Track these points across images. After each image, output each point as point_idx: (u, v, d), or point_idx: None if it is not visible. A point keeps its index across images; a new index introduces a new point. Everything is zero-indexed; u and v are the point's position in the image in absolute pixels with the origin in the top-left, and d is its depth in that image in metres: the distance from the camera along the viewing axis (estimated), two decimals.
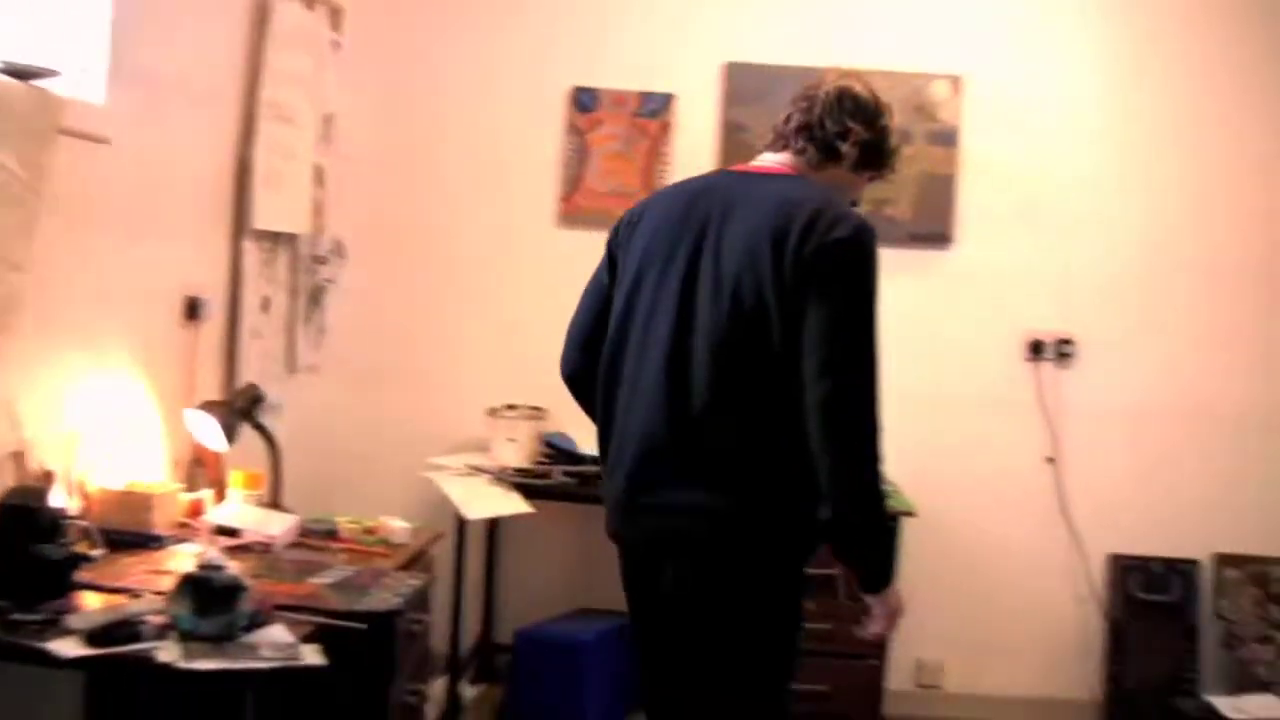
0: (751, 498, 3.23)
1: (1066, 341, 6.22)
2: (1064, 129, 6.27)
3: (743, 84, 6.19)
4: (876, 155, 3.45)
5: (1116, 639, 6.27)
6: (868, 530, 3.21)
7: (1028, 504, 6.24)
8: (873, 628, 3.33)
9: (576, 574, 6.26)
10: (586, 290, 3.74)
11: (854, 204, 3.45)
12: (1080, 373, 6.23)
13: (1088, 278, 6.25)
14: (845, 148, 3.38)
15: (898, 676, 6.03)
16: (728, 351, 3.21)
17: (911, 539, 5.59)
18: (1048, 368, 6.24)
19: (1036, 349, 6.23)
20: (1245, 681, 6.09)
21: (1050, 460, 6.22)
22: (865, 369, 3.19)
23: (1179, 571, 6.30)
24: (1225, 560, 6.31)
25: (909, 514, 5.54)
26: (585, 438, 5.68)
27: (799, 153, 3.42)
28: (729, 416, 3.23)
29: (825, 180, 3.40)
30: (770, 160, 3.48)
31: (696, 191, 3.49)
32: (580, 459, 5.67)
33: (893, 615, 3.33)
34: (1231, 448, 6.29)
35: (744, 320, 3.19)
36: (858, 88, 3.43)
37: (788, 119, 3.45)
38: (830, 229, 3.14)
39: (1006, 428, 6.21)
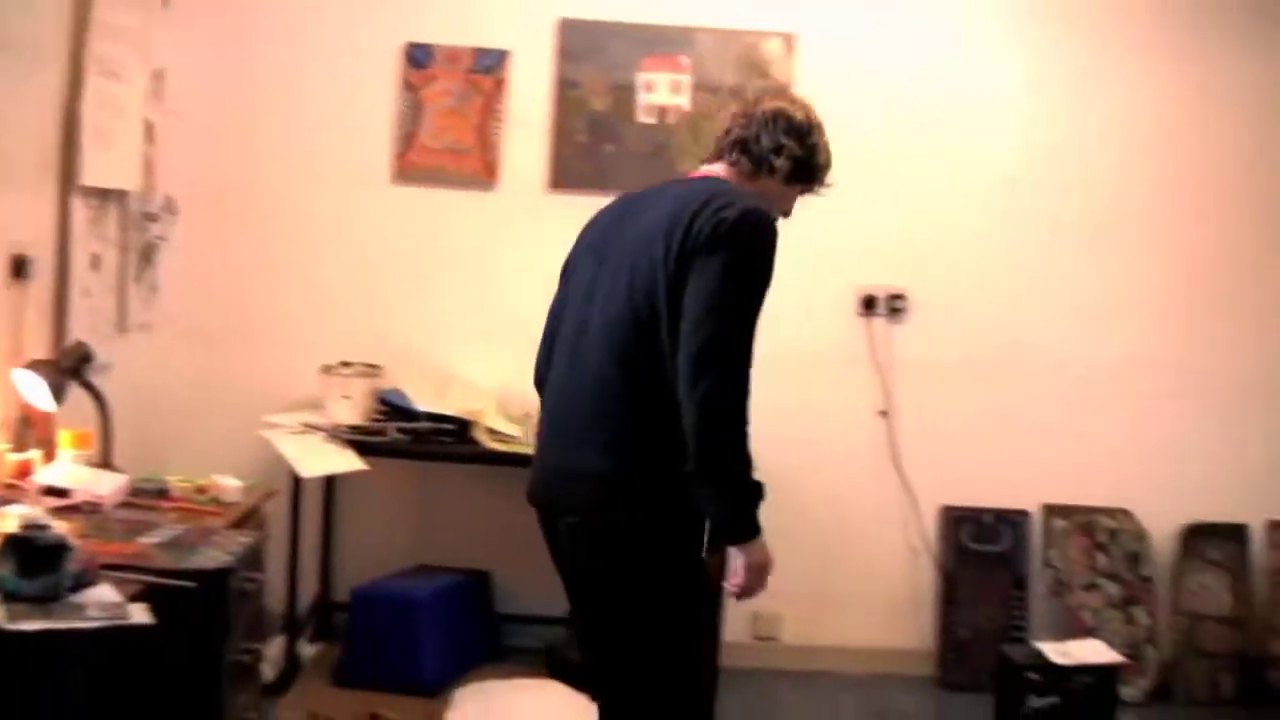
0: (634, 464, 3.46)
1: (898, 297, 6.31)
2: (897, 87, 6.35)
3: (577, 40, 6.19)
4: (807, 170, 3.72)
5: (949, 589, 6.39)
6: (729, 482, 3.38)
7: (861, 458, 6.33)
8: (734, 579, 3.44)
9: (414, 531, 6.28)
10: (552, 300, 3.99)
11: (785, 214, 3.76)
12: (912, 327, 6.32)
13: (920, 233, 6.34)
14: (778, 161, 3.66)
15: (735, 629, 6.10)
16: (619, 347, 3.49)
17: None
18: (880, 323, 6.32)
19: (869, 304, 6.31)
20: (1073, 628, 6.24)
21: (883, 414, 6.31)
22: (737, 343, 3.39)
23: (1009, 522, 6.43)
24: (1053, 511, 6.45)
25: None
26: (420, 394, 5.70)
27: (733, 164, 3.70)
28: (619, 404, 3.48)
29: (757, 189, 3.66)
30: (704, 169, 3.75)
31: (631, 196, 3.79)
32: (415, 416, 5.68)
33: (759, 569, 3.46)
34: (1060, 400, 6.43)
35: (634, 316, 3.46)
36: (792, 109, 3.73)
37: (726, 132, 3.74)
38: (719, 210, 3.39)
39: (840, 382, 6.29)
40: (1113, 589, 6.39)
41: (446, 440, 5.68)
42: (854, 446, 6.32)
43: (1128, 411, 6.46)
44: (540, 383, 3.91)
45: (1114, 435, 6.46)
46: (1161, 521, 6.49)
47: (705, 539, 3.49)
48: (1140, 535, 6.45)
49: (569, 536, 3.59)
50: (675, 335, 3.37)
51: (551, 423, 3.72)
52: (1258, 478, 6.53)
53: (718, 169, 3.72)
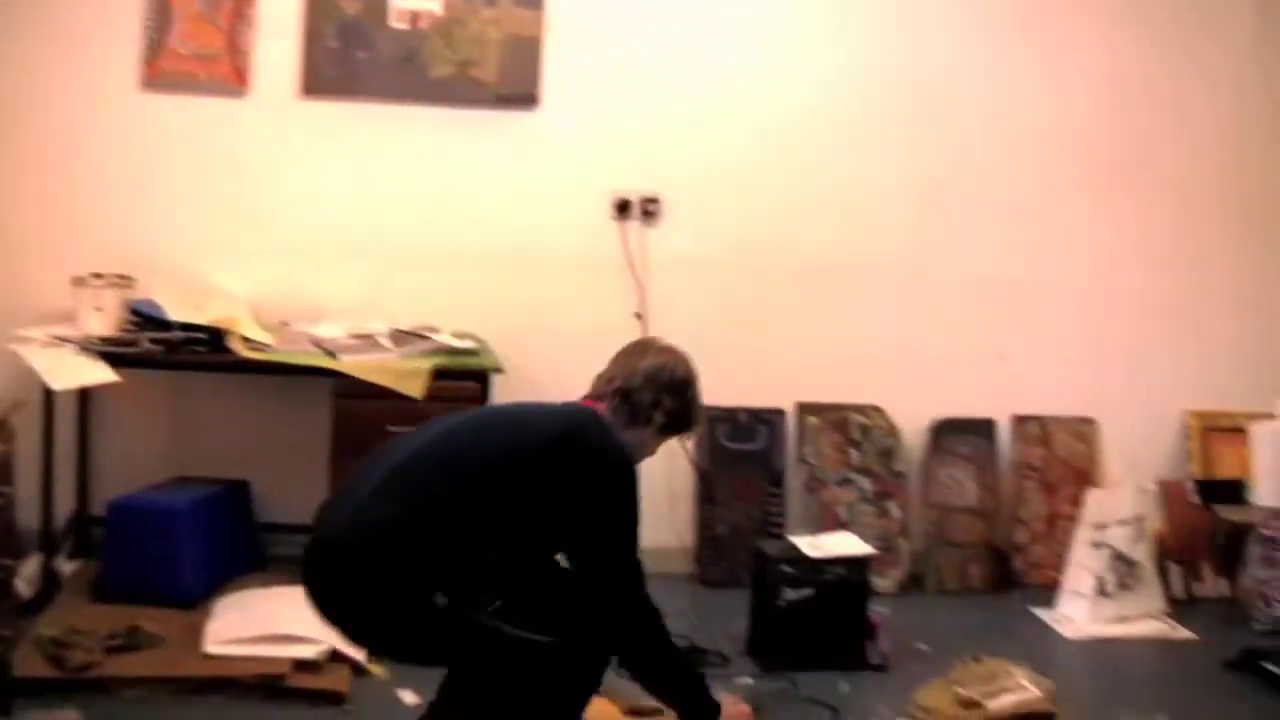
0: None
1: (652, 200, 6.38)
2: None
3: None
4: (681, 423, 4.09)
5: (706, 487, 6.50)
6: (676, 693, 3.96)
7: None
8: None
9: (171, 442, 6.23)
10: None
11: (649, 455, 4.13)
12: (666, 231, 6.39)
13: (672, 137, 6.41)
14: (655, 415, 3.98)
15: None
16: (429, 481, 3.70)
17: (502, 396, 5.70)
18: (634, 226, 6.38)
19: (623, 208, 6.37)
20: (828, 523, 6.39)
21: (638, 316, 6.38)
22: (633, 576, 3.83)
23: (764, 421, 6.56)
24: (808, 409, 6.60)
25: (498, 370, 5.65)
26: (173, 305, 5.66)
27: (613, 410, 3.99)
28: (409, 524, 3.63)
29: (629, 435, 3.96)
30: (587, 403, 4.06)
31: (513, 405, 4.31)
32: (168, 326, 5.62)
33: (743, 716, 4.10)
34: (813, 300, 6.59)
35: (463, 466, 3.71)
36: (674, 364, 4.06)
37: (610, 379, 4.05)
38: (598, 447, 3.77)
39: (595, 285, 6.37)
40: (866, 484, 6.57)
41: (200, 350, 5.63)
42: (611, 348, 6.30)
43: (879, 311, 6.65)
44: None
45: (866, 334, 6.65)
46: (912, 417, 6.69)
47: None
48: (892, 431, 6.63)
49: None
50: (473, 516, 3.62)
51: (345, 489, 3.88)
52: (1003, 374, 6.78)
53: (600, 408, 3.97)
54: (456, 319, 6.12)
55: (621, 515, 3.79)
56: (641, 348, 4.17)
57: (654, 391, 3.98)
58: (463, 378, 5.64)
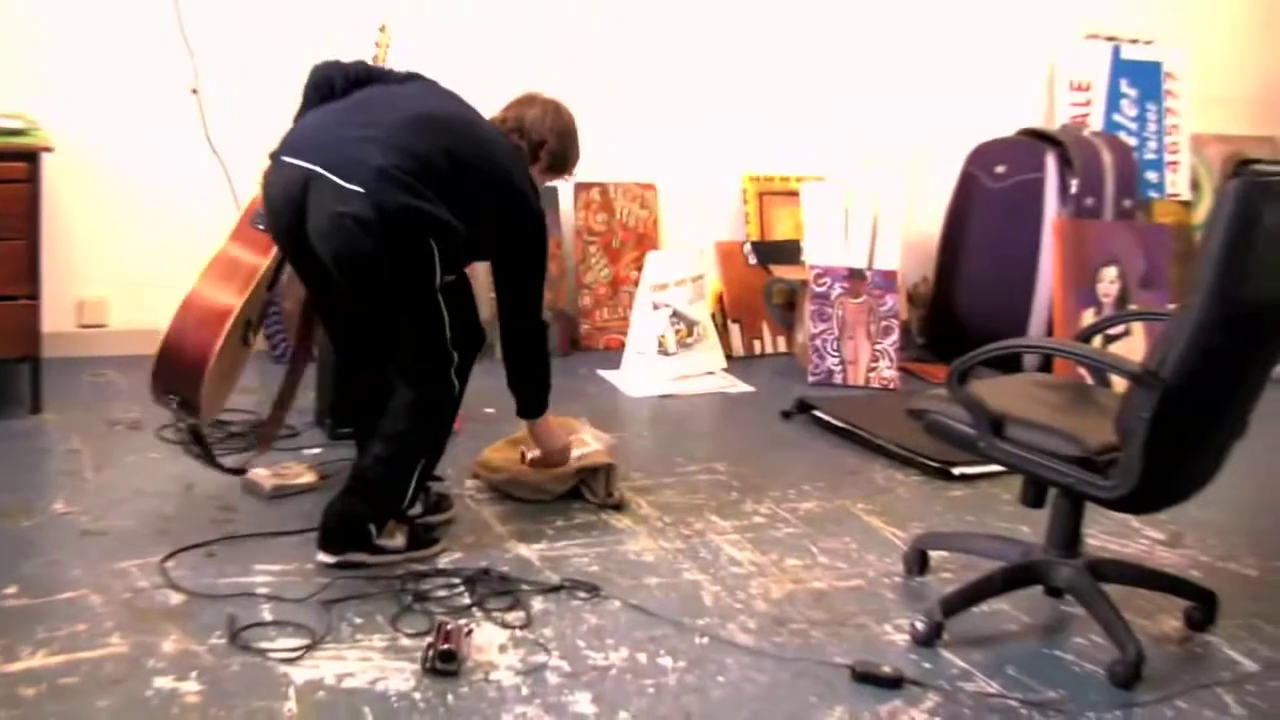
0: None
1: None
2: None
3: None
4: (561, 164, 4.55)
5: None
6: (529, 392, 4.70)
7: (175, 136, 6.34)
8: (548, 446, 4.84)
9: None
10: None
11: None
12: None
13: None
14: (542, 155, 4.44)
15: (56, 319, 6.04)
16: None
17: (57, 177, 5.72)
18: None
19: None
20: None
21: (195, 92, 6.33)
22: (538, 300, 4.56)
23: None
24: None
25: (47, 149, 5.50)
26: None
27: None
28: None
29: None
30: None
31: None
32: None
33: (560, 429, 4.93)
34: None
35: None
36: (556, 112, 4.50)
37: (502, 121, 4.44)
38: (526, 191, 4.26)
39: (148, 60, 6.29)
40: None
41: None
42: (166, 126, 6.30)
43: (431, 72, 6.69)
44: None
45: None
46: None
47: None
48: None
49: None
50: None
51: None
52: None
53: None
54: (7, 98, 5.97)
55: (538, 250, 4.41)
56: (529, 99, 4.51)
57: (540, 134, 4.41)
58: (11, 158, 5.47)
